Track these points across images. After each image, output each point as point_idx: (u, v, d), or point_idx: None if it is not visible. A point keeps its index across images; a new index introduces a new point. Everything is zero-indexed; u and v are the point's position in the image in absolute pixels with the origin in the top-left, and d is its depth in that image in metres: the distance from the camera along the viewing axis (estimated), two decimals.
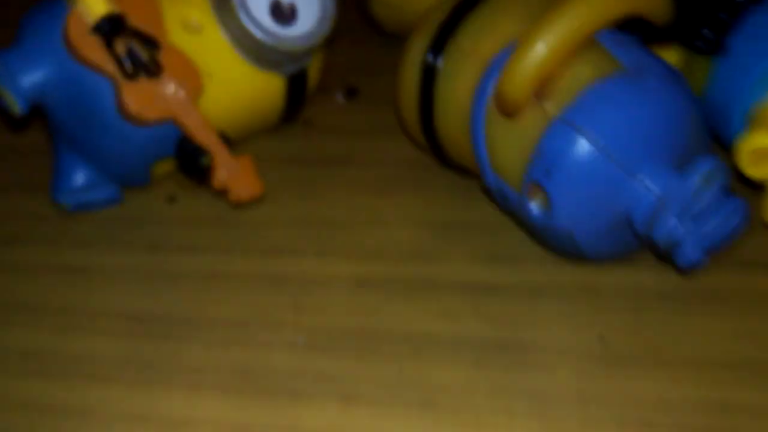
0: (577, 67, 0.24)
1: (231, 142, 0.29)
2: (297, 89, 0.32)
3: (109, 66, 0.27)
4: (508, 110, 0.25)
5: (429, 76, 0.28)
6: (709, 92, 0.28)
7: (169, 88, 0.27)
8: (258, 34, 0.29)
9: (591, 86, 0.23)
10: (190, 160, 0.28)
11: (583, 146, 0.23)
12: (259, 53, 0.29)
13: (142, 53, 0.27)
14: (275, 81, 0.31)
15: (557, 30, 0.24)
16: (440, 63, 0.27)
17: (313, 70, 0.32)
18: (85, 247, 0.29)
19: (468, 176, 0.30)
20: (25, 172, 0.33)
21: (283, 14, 0.29)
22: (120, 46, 0.27)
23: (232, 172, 0.28)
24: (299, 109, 0.34)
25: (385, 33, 0.40)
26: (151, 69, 0.27)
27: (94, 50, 0.27)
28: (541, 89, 0.24)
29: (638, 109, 0.23)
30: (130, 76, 0.27)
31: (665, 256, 0.24)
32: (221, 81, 0.29)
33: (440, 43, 0.27)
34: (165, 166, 0.30)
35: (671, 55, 0.29)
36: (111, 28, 0.26)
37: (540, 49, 0.24)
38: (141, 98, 0.27)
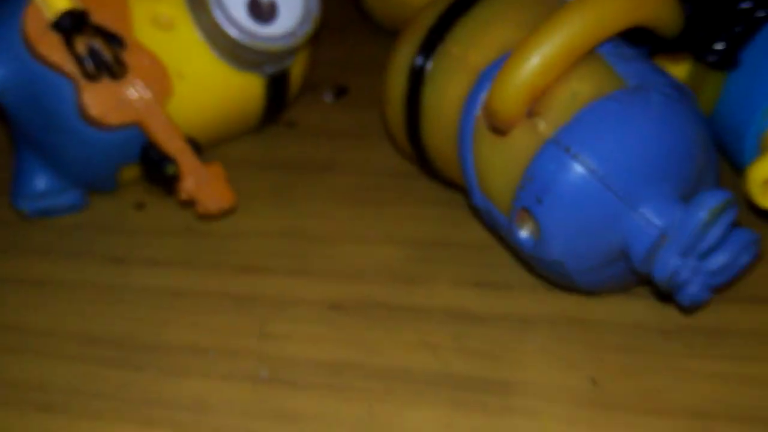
0: (574, 83, 0.22)
1: (201, 148, 0.27)
2: (278, 91, 0.30)
3: (70, 65, 0.25)
4: (498, 127, 0.22)
5: (416, 82, 0.25)
6: (721, 110, 0.26)
7: (134, 90, 0.25)
8: (233, 32, 0.27)
9: (589, 105, 0.21)
10: (155, 169, 0.26)
11: (577, 172, 0.20)
12: (235, 53, 0.27)
13: (105, 52, 0.25)
14: (254, 82, 0.29)
15: (555, 41, 0.21)
16: (428, 68, 0.25)
17: (297, 70, 0.30)
18: (44, 257, 0.27)
19: (457, 190, 0.28)
20: None
21: (261, 11, 0.27)
22: (81, 45, 0.25)
23: (200, 183, 0.26)
24: (280, 111, 0.32)
25: (379, 28, 0.38)
26: (115, 69, 0.25)
27: (53, 48, 0.24)
28: (535, 105, 0.22)
29: (640, 133, 0.21)
30: (92, 77, 0.25)
31: (666, 292, 0.22)
32: (194, 82, 0.27)
33: (429, 46, 0.25)
34: (133, 171, 0.28)
35: (681, 69, 0.26)
36: (72, 24, 0.24)
37: (535, 61, 0.21)
38: (103, 101, 0.25)
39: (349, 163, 0.31)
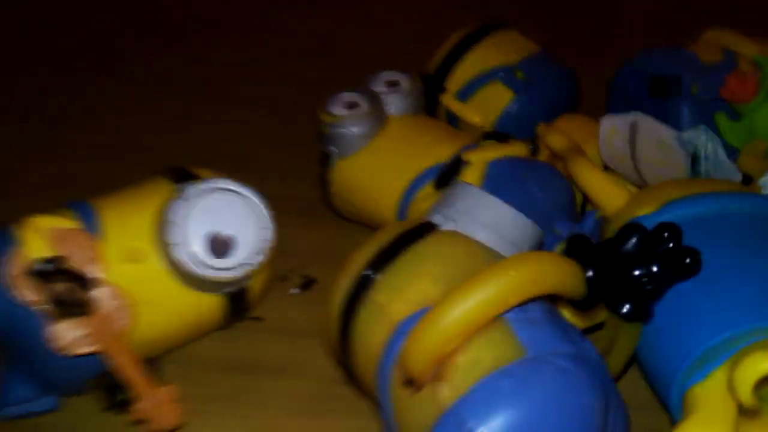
0: (477, 350, 0.24)
1: (159, 369, 0.30)
2: (237, 305, 0.33)
3: (44, 305, 0.28)
4: (411, 383, 0.25)
5: (347, 321, 0.28)
6: (643, 355, 0.28)
7: (98, 325, 0.28)
8: (192, 267, 0.30)
9: (486, 378, 0.23)
10: (110, 394, 0.29)
11: None
12: (195, 281, 0.30)
13: (76, 294, 0.28)
14: (214, 301, 0.32)
15: (463, 309, 0.24)
16: (358, 311, 0.28)
17: (256, 284, 0.33)
18: None
19: None
20: None
21: (219, 247, 0.30)
22: (55, 287, 0.28)
23: (151, 405, 0.29)
24: (241, 319, 0.34)
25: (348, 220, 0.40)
26: (83, 309, 0.28)
27: (29, 290, 0.28)
28: (441, 369, 0.24)
29: (531, 412, 0.22)
30: (62, 316, 0.28)
31: None
32: (159, 306, 0.30)
33: (358, 291, 0.28)
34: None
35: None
36: (48, 272, 0.28)
37: (442, 328, 0.23)
38: (69, 335, 0.28)
39: (304, 366, 0.33)
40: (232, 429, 0.31)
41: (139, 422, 0.30)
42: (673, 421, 0.26)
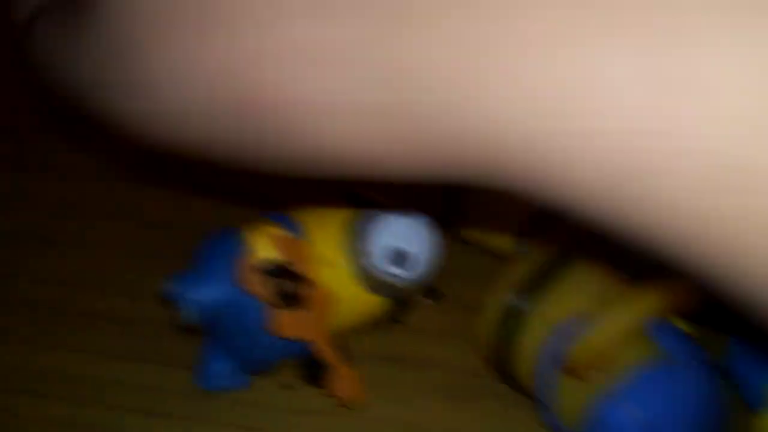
0: (628, 350, 0.31)
1: (346, 353, 0.37)
2: (401, 308, 0.40)
3: (266, 296, 0.35)
4: (574, 373, 0.32)
5: (506, 327, 0.35)
6: (731, 361, 0.36)
7: (312, 318, 0.36)
8: (376, 274, 0.37)
9: (636, 368, 0.31)
10: (314, 371, 0.36)
11: (623, 419, 0.30)
12: (375, 286, 0.38)
13: (293, 288, 0.35)
14: (386, 303, 0.39)
15: (621, 321, 0.32)
16: (518, 319, 0.35)
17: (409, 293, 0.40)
18: (213, 427, 0.37)
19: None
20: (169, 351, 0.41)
21: (398, 260, 0.38)
22: (278, 283, 0.35)
23: (341, 380, 0.36)
24: (393, 320, 0.41)
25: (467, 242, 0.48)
26: (298, 301, 0.35)
27: (257, 285, 0.35)
28: (599, 362, 0.32)
29: (668, 394, 0.30)
30: (282, 307, 0.35)
31: None
32: (344, 304, 0.37)
33: (521, 300, 0.35)
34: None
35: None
36: (273, 271, 0.35)
37: (608, 332, 0.31)
38: (287, 323, 0.35)
39: (446, 360, 0.41)
40: (396, 409, 0.38)
41: (331, 395, 0.37)
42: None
